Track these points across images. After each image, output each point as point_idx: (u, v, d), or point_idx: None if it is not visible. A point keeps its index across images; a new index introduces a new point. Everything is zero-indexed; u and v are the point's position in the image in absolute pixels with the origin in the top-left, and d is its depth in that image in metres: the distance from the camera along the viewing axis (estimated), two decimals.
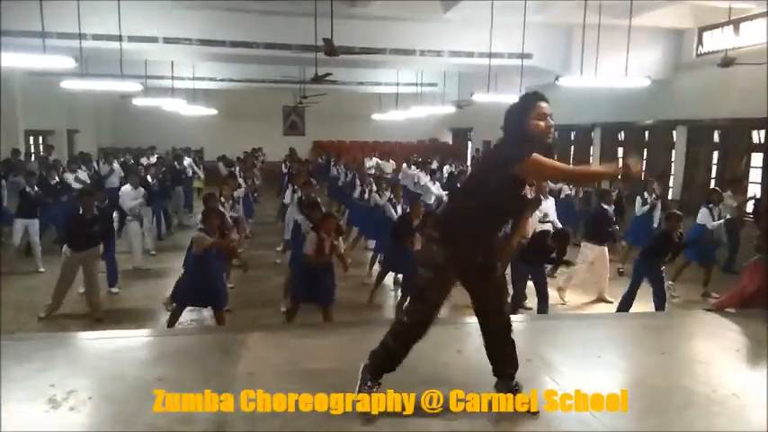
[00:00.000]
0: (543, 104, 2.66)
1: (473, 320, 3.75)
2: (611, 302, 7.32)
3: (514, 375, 2.86)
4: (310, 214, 6.07)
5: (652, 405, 2.93)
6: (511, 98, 9.62)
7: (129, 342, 3.69)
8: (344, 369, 3.18)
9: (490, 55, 9.54)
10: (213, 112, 18.65)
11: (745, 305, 4.49)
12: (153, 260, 9.17)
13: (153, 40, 10.00)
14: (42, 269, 8.13)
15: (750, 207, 9.37)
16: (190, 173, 14.49)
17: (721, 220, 7.94)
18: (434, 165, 14.28)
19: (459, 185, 10.15)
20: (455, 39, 10.59)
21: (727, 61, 7.02)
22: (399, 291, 7.74)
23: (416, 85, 15.84)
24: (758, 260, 4.61)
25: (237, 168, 12.58)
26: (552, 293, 6.59)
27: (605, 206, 7.52)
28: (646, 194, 9.29)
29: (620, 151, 13.26)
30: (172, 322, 5.40)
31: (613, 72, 9.11)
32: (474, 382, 3.02)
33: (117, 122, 20.75)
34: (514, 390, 2.84)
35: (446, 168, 14.76)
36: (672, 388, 3.16)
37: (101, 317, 6.37)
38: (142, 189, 8.64)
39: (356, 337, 3.63)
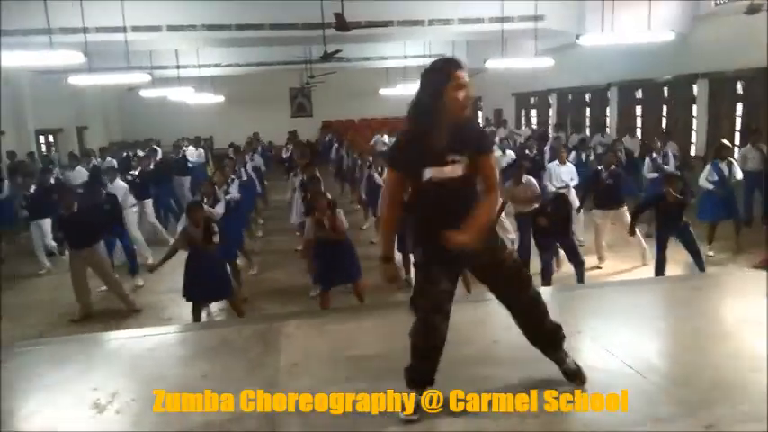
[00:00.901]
0: (463, 73, 2.34)
1: None
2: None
3: (561, 347, 2.69)
4: (306, 197, 5.98)
5: (715, 373, 2.80)
6: (525, 63, 9.46)
7: (165, 339, 3.62)
8: (389, 353, 3.09)
9: (502, 19, 9.28)
10: (220, 99, 18.49)
11: None
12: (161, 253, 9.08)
13: (157, 29, 9.85)
14: (42, 271, 8.11)
15: None
16: (200, 161, 14.37)
17: (737, 177, 7.52)
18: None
19: None
20: (464, 6, 10.31)
21: (755, 7, 6.72)
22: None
23: (424, 56, 15.53)
24: None
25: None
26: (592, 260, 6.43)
27: (603, 169, 7.28)
28: (655, 155, 9.03)
29: (639, 110, 12.94)
30: (195, 316, 5.35)
31: (630, 27, 8.82)
32: (527, 357, 2.90)
33: (125, 116, 20.70)
34: (564, 364, 2.68)
35: None
36: (734, 352, 3.03)
37: (138, 308, 6.37)
38: (122, 183, 8.37)
39: (396, 319, 3.50)
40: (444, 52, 16.09)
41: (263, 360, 3.19)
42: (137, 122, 20.36)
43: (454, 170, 2.39)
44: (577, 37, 7.71)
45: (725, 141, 8.01)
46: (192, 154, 14.34)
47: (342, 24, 6.91)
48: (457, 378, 2.76)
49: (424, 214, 2.52)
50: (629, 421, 2.44)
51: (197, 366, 3.14)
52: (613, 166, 7.33)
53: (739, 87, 10.10)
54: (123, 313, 6.35)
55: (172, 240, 9.31)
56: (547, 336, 2.68)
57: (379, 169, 8.58)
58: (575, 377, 2.68)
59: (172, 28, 10.06)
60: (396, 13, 10.16)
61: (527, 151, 10.83)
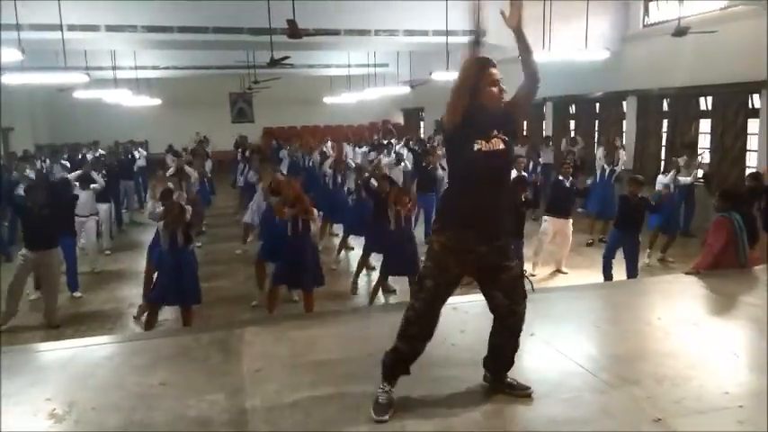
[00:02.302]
0: (495, 71, 2.63)
1: (468, 299, 3.82)
2: (566, 273, 7.54)
3: (506, 376, 2.79)
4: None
5: (658, 371, 3.01)
6: None
7: (121, 348, 3.53)
8: (355, 357, 3.17)
9: (447, 33, 9.52)
10: (157, 102, 17.96)
11: (716, 264, 4.66)
12: (109, 260, 8.82)
13: (95, 28, 9.49)
14: None
15: (701, 172, 9.77)
16: (143, 165, 14.03)
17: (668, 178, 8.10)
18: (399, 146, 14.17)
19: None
20: (409, 18, 10.51)
21: (682, 30, 7.22)
22: (370, 275, 7.75)
23: (368, 66, 15.70)
24: (720, 218, 4.78)
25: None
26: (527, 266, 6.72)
27: (562, 179, 7.66)
28: (604, 165, 9.55)
29: (572, 124, 13.56)
30: (150, 323, 5.22)
31: (564, 46, 9.26)
32: (480, 359, 3.02)
33: (54, 117, 19.70)
34: (506, 383, 2.78)
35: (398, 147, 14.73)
36: (674, 351, 3.27)
37: (57, 324, 6.10)
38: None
39: (360, 325, 3.59)
40: (388, 62, 16.34)
41: (225, 367, 3.17)
42: (66, 124, 19.46)
43: (497, 143, 2.59)
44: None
45: (674, 157, 8.63)
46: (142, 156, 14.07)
47: (294, 31, 6.90)
48: (421, 380, 2.85)
49: (474, 197, 2.59)
50: (583, 417, 2.60)
51: (156, 374, 3.08)
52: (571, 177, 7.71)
53: (665, 105, 10.78)
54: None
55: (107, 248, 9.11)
56: (507, 357, 2.75)
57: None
58: (520, 390, 2.76)
59: (111, 28, 9.71)
60: (343, 23, 10.23)
61: None
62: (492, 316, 2.72)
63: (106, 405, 2.78)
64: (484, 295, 2.70)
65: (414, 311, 2.63)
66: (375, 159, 10.86)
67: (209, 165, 12.28)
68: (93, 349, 3.46)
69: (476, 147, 2.54)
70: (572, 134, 13.07)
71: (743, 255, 4.56)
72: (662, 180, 8.05)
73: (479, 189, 2.59)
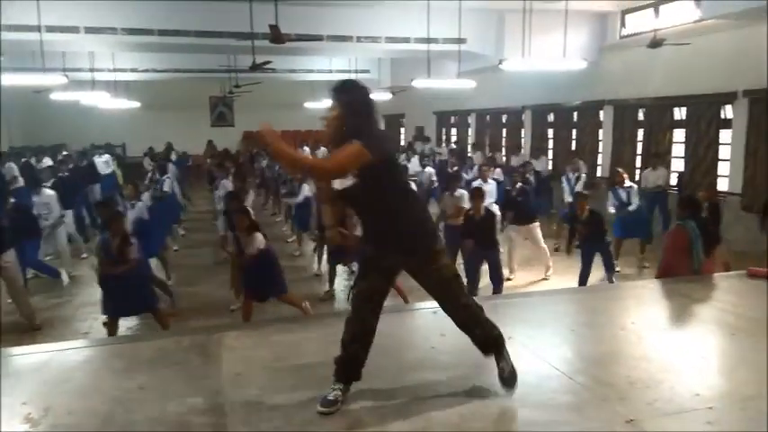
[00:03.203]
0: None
1: None
2: (548, 279, 7.66)
3: (493, 350, 2.83)
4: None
5: (631, 373, 3.08)
6: (448, 83, 9.88)
7: (99, 352, 3.50)
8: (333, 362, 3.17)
9: (428, 40, 9.61)
10: (135, 104, 17.79)
11: (670, 271, 4.78)
12: (87, 263, 8.73)
13: (74, 30, 9.40)
14: None
15: (674, 180, 9.99)
16: (109, 170, 13.85)
17: (634, 201, 8.20)
18: None
19: None
20: (391, 25, 10.60)
21: (657, 42, 7.40)
22: (351, 279, 7.77)
23: (349, 72, 15.74)
24: (675, 228, 4.89)
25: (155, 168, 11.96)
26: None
27: (518, 186, 7.83)
28: (570, 175, 9.68)
29: (551, 132, 13.75)
30: (110, 332, 5.18)
31: (543, 55, 9.42)
32: (461, 362, 3.08)
33: (30, 120, 19.39)
34: (499, 367, 2.82)
35: None
36: (647, 355, 3.34)
37: (38, 325, 6.04)
38: (51, 191, 8.06)
39: (340, 329, 3.59)
40: (369, 68, 16.40)
41: (205, 371, 3.16)
42: (42, 127, 19.16)
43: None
44: (500, 62, 8.14)
45: (619, 169, 8.73)
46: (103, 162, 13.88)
47: (277, 36, 6.92)
48: (400, 383, 2.89)
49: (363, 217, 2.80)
50: (559, 418, 2.65)
51: (134, 378, 3.07)
52: (520, 185, 7.85)
53: (641, 114, 11.00)
54: (23, 327, 6.03)
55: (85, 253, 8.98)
56: (480, 341, 2.83)
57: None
58: (505, 383, 2.81)
59: (90, 30, 9.64)
60: (326, 28, 10.28)
61: (449, 168, 11.26)
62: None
63: (83, 409, 2.76)
64: (433, 298, 2.84)
65: (346, 324, 2.78)
66: None
67: (172, 170, 12.10)
68: (69, 353, 3.43)
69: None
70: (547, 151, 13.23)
71: (697, 263, 4.68)
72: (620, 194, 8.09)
73: (365, 216, 2.83)
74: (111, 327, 5.20)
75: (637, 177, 9.97)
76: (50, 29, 8.95)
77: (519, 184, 7.92)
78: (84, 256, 9.04)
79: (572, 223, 6.87)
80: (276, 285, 5.54)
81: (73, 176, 9.92)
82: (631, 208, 7.85)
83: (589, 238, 6.54)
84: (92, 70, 13.90)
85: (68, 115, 18.26)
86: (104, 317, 5.96)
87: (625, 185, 8.05)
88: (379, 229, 2.75)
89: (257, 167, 14.52)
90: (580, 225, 6.54)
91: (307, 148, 16.75)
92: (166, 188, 9.31)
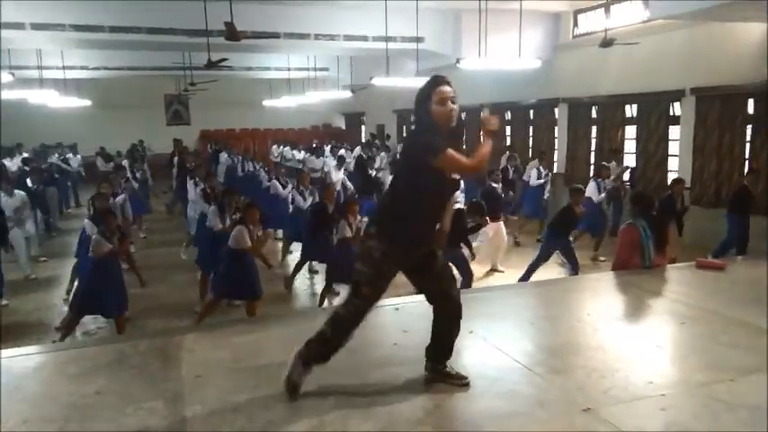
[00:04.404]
0: (445, 88, 2.67)
1: (411, 300, 3.91)
2: (503, 272, 7.81)
3: (445, 365, 2.91)
4: (229, 203, 5.98)
5: (588, 363, 3.17)
6: (407, 82, 9.91)
7: (52, 357, 3.39)
8: None
9: (386, 39, 9.63)
10: (86, 103, 17.25)
11: (623, 268, 4.93)
12: (44, 267, 8.47)
13: (20, 26, 9.05)
14: None
15: (626, 176, 10.29)
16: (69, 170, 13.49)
17: (603, 194, 8.60)
18: (342, 151, 14.25)
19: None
20: (349, 23, 10.57)
21: (608, 42, 7.60)
22: (313, 278, 7.76)
23: (308, 69, 15.65)
24: (625, 227, 5.04)
25: (127, 162, 11.76)
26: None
27: (494, 184, 8.02)
28: (540, 168, 9.92)
29: (508, 130, 13.97)
30: (66, 335, 5.04)
31: (499, 54, 9.57)
32: (422, 358, 3.08)
33: None
34: (445, 373, 2.89)
35: (341, 152, 14.80)
36: (603, 345, 3.45)
37: None
38: (22, 193, 7.88)
39: (302, 329, 3.55)
40: (328, 66, 16.35)
41: (164, 374, 3.10)
42: None
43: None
44: (458, 61, 8.22)
45: (605, 163, 9.04)
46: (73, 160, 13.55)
47: (232, 33, 6.80)
48: (364, 379, 2.91)
49: (431, 214, 2.77)
50: (519, 409, 2.71)
51: (91, 383, 2.98)
52: (489, 183, 8.01)
53: (594, 112, 11.29)
54: None
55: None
56: (448, 345, 2.88)
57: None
58: (457, 379, 2.88)
59: (36, 26, 9.30)
60: (283, 26, 10.18)
61: None
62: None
63: (38, 417, 2.68)
64: (419, 289, 2.86)
65: (347, 311, 2.72)
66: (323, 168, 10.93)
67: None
68: (20, 360, 3.31)
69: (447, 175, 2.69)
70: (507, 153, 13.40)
71: (647, 259, 4.83)
72: (592, 191, 8.38)
73: (435, 213, 2.80)
74: (69, 329, 5.05)
75: (591, 173, 10.24)
76: None
77: (488, 183, 8.06)
78: (44, 259, 8.78)
79: (565, 220, 6.90)
80: (256, 286, 5.50)
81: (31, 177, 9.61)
82: (601, 196, 8.15)
83: (560, 233, 6.68)
84: (39, 68, 13.40)
85: (14, 115, 17.55)
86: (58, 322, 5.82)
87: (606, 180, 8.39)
88: (415, 227, 2.71)
89: (228, 166, 14.25)
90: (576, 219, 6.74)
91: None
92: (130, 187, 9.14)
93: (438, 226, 2.88)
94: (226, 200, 6.25)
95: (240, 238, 5.26)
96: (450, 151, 2.58)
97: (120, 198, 7.84)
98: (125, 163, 12.04)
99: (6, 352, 3.39)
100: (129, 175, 10.09)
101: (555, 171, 12.09)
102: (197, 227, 7.63)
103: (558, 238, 6.73)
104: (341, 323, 2.73)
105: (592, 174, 10.07)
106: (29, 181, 9.24)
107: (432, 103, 2.65)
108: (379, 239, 2.69)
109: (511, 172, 10.43)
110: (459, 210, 6.55)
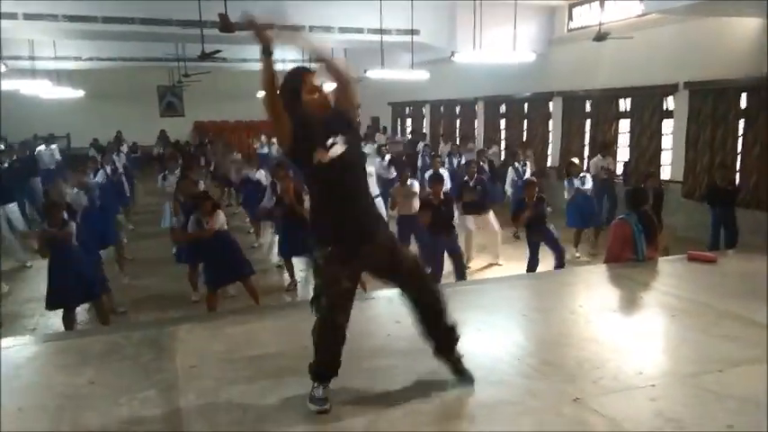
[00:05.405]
0: (311, 77, 2.61)
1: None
2: (501, 265, 7.81)
3: (455, 348, 2.85)
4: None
5: (579, 354, 3.20)
6: (402, 74, 9.85)
7: (46, 348, 3.41)
8: (289, 351, 3.19)
9: (381, 31, 9.61)
10: (79, 94, 17.14)
11: (615, 260, 4.96)
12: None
13: (12, 16, 8.96)
14: None
15: (620, 169, 10.32)
16: (51, 163, 13.36)
17: (587, 186, 8.43)
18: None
19: None
20: (345, 15, 10.53)
21: (601, 36, 7.60)
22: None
23: (303, 61, 15.57)
24: (617, 222, 5.07)
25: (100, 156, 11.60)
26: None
27: (467, 179, 7.92)
28: (517, 165, 9.89)
29: (503, 123, 13.98)
30: (68, 326, 5.02)
31: (495, 46, 9.57)
32: (417, 348, 3.11)
33: None
34: (458, 362, 2.85)
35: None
36: (595, 336, 3.48)
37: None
38: None
39: (295, 319, 3.59)
40: None
41: (158, 364, 3.12)
42: None
43: (335, 150, 2.56)
44: (452, 54, 8.22)
45: (574, 160, 8.95)
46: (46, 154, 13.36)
47: (226, 25, 6.76)
48: (358, 370, 2.92)
49: (338, 203, 2.59)
50: (510, 399, 2.73)
51: (84, 374, 3.00)
52: (476, 175, 7.97)
53: (588, 106, 11.31)
54: None
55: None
56: (443, 333, 2.83)
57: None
58: (465, 375, 2.85)
59: (29, 16, 9.22)
60: (277, 18, 10.11)
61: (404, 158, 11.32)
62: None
63: (33, 406, 2.70)
64: (400, 289, 2.79)
65: (320, 334, 2.62)
66: None
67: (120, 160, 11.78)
68: (15, 350, 3.32)
69: (316, 159, 2.54)
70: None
71: (640, 253, 4.87)
72: (576, 185, 8.27)
73: (341, 196, 2.60)
74: (69, 320, 5.02)
75: (585, 167, 10.25)
76: None
77: (476, 175, 8.00)
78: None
79: (516, 211, 6.88)
80: (242, 264, 5.51)
81: (13, 169, 9.50)
82: (587, 186, 8.07)
83: (530, 224, 6.63)
84: (32, 58, 13.30)
85: (8, 105, 17.43)
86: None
87: (580, 175, 8.27)
88: (357, 216, 2.63)
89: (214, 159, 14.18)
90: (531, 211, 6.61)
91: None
92: (98, 178, 8.94)
93: (365, 211, 2.69)
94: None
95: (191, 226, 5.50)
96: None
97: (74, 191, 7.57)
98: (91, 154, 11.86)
99: (4, 342, 3.40)
100: (98, 167, 9.80)
101: (549, 165, 12.13)
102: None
103: (531, 231, 6.68)
104: (321, 337, 2.63)
105: (585, 167, 10.08)
106: None
107: (303, 95, 2.58)
108: (316, 247, 2.64)
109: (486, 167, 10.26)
110: (446, 195, 6.54)
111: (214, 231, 5.44)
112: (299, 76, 2.61)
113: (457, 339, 2.86)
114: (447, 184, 8.39)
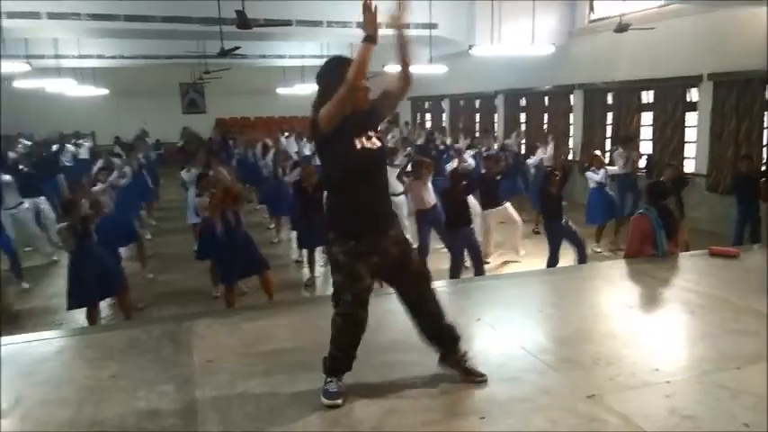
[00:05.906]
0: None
1: None
2: (520, 261, 7.73)
3: (458, 348, 2.86)
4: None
5: (595, 351, 3.18)
6: (420, 69, 9.83)
7: (70, 342, 3.49)
8: (306, 347, 3.21)
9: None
10: (104, 92, 17.43)
11: (635, 255, 4.91)
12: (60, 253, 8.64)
13: (36, 16, 9.15)
14: None
15: (643, 163, 10.17)
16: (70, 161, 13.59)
17: (601, 179, 8.33)
18: None
19: None
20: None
21: (623, 27, 7.50)
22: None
23: (322, 57, 15.61)
24: (637, 217, 5.00)
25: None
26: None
27: (485, 171, 7.85)
28: (534, 158, 9.81)
29: (523, 116, 13.87)
30: (92, 321, 5.13)
31: (515, 39, 9.49)
32: None
33: None
34: (464, 361, 2.85)
35: None
36: (612, 332, 3.45)
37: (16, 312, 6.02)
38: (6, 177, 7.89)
39: (311, 315, 3.64)
40: (342, 53, 16.26)
41: (176, 358, 3.18)
42: (7, 115, 18.62)
43: (374, 143, 2.65)
44: (470, 48, 8.17)
45: (596, 152, 8.87)
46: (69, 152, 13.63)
47: (244, 22, 6.83)
48: (371, 364, 2.94)
49: (361, 196, 2.62)
50: (522, 395, 2.73)
51: (106, 367, 3.08)
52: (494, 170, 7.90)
53: (609, 98, 11.16)
54: None
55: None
56: (445, 332, 2.84)
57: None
58: (475, 374, 2.84)
59: (53, 15, 9.40)
60: (295, 13, 10.17)
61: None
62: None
63: (54, 399, 2.77)
64: (397, 292, 2.82)
65: (341, 330, 2.64)
66: None
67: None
68: (39, 344, 3.41)
69: (357, 145, 2.59)
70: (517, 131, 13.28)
71: (661, 248, 4.81)
72: (593, 177, 8.17)
73: (368, 191, 2.64)
74: (92, 316, 5.13)
75: (606, 160, 10.12)
76: (11, 15, 8.71)
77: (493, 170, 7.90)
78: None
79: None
80: (255, 260, 5.53)
81: (35, 165, 9.72)
82: (609, 177, 8.04)
83: (548, 218, 6.59)
84: (56, 57, 13.55)
85: (33, 104, 17.80)
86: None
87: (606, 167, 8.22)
88: (375, 209, 2.67)
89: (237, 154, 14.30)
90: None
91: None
92: (124, 180, 9.08)
93: (385, 206, 2.74)
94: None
95: (199, 205, 5.65)
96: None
97: (97, 188, 7.71)
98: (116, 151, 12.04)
99: (29, 336, 3.50)
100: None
101: (570, 158, 11.99)
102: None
103: (551, 225, 6.61)
104: (341, 331, 2.66)
105: (607, 161, 9.95)
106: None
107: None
108: (336, 242, 2.64)
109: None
110: (468, 182, 6.48)
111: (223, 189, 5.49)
112: (341, 66, 2.64)
113: (458, 338, 2.87)
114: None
